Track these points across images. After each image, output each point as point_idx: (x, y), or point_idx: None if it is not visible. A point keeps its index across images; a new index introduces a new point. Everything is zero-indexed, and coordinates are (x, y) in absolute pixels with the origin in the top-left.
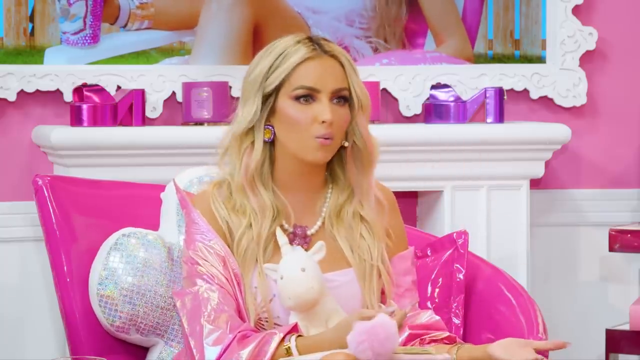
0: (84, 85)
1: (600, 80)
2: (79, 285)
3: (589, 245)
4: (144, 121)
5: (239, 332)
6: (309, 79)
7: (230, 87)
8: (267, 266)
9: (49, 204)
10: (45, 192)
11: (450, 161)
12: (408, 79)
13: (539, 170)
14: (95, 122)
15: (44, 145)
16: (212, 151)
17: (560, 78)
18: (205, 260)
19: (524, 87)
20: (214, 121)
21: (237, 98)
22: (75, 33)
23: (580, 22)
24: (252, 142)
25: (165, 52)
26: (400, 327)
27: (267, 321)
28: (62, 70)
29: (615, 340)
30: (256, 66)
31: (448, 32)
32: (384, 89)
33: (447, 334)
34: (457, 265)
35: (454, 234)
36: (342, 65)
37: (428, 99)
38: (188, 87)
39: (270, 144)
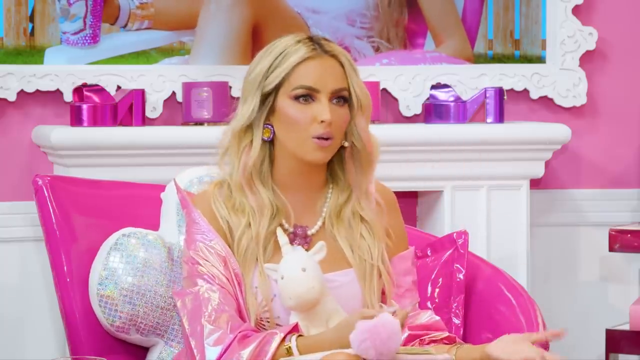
0: (84, 85)
1: (600, 80)
2: (79, 285)
3: (589, 245)
4: (144, 121)
5: (240, 332)
6: (308, 79)
7: (230, 87)
8: (268, 266)
9: (49, 204)
10: (45, 192)
11: (450, 161)
12: (408, 79)
13: (539, 170)
14: (95, 122)
15: (44, 145)
16: (212, 151)
17: (560, 78)
18: (206, 260)
19: (524, 87)
20: (214, 121)
21: (238, 98)
22: (75, 33)
23: (580, 22)
24: (251, 141)
25: (165, 52)
26: (402, 327)
27: (268, 321)
28: (62, 70)
29: (615, 340)
30: (256, 65)
31: (447, 33)
32: (384, 89)
33: (446, 334)
34: (457, 265)
35: (454, 234)
36: (342, 65)
37: (428, 99)
38: (188, 87)
39: (270, 143)
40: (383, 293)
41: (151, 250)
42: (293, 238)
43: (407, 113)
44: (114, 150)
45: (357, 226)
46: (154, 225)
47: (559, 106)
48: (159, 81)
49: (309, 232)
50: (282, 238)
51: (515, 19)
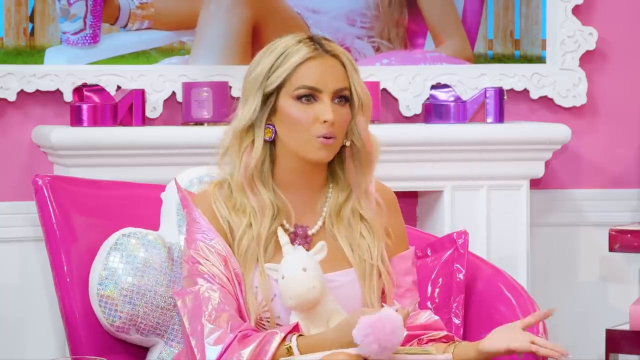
0: (84, 85)
1: (600, 80)
2: (79, 285)
3: (589, 245)
4: (144, 121)
5: (240, 331)
6: (310, 79)
7: (230, 87)
8: (268, 266)
9: (49, 204)
10: (45, 192)
11: (450, 161)
12: (408, 79)
13: (539, 170)
14: (95, 122)
15: (44, 145)
16: (212, 151)
17: (560, 78)
18: (206, 259)
19: (524, 87)
20: (214, 121)
21: (238, 98)
22: (76, 33)
23: (580, 22)
24: (252, 141)
25: (165, 52)
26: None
27: (268, 321)
28: (62, 70)
29: (615, 340)
30: (257, 65)
31: (447, 33)
32: (384, 89)
33: (444, 333)
34: (457, 265)
35: (454, 234)
36: (344, 65)
37: (428, 99)
38: (188, 87)
39: (271, 143)
40: (383, 293)
41: (151, 250)
42: (294, 238)
43: (407, 113)
44: (114, 150)
45: (356, 225)
46: (154, 225)
47: (559, 106)
48: (159, 81)
49: (310, 232)
50: (283, 238)
51: (515, 19)
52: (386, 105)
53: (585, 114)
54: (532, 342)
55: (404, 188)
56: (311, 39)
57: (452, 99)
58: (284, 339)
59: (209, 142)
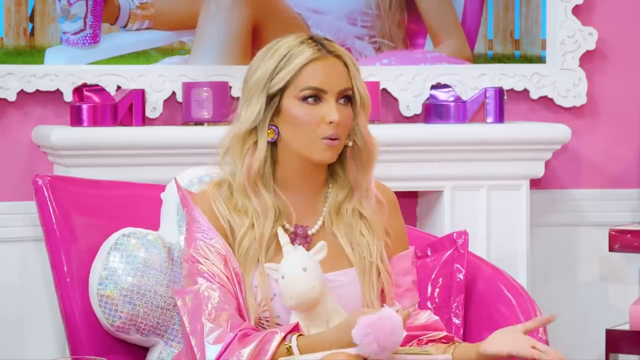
0: (84, 85)
1: (600, 80)
2: (79, 285)
3: (589, 245)
4: (144, 121)
5: (240, 330)
6: (316, 80)
7: (230, 87)
8: (268, 266)
9: (49, 204)
10: (45, 192)
11: (450, 161)
12: (408, 79)
13: (539, 170)
14: (95, 122)
15: (44, 145)
16: (212, 151)
17: (560, 78)
18: (206, 258)
19: (524, 87)
20: (214, 121)
21: (237, 98)
22: (76, 33)
23: (580, 22)
24: (255, 142)
25: (165, 52)
26: (404, 326)
27: (267, 320)
28: (62, 70)
29: (615, 340)
30: (258, 67)
31: (446, 33)
32: (384, 89)
33: (444, 333)
34: (457, 265)
35: (454, 234)
36: (346, 65)
37: (428, 99)
38: (188, 87)
39: (272, 144)
40: (383, 293)
41: (151, 250)
42: (294, 238)
43: (407, 113)
44: (114, 150)
45: (356, 224)
46: (154, 225)
47: (559, 106)
48: (159, 81)
49: (310, 232)
50: (283, 238)
51: (515, 19)
52: (386, 105)
53: (585, 114)
54: (533, 347)
55: (404, 188)
56: (313, 39)
57: (452, 99)
58: (284, 338)
59: (209, 142)
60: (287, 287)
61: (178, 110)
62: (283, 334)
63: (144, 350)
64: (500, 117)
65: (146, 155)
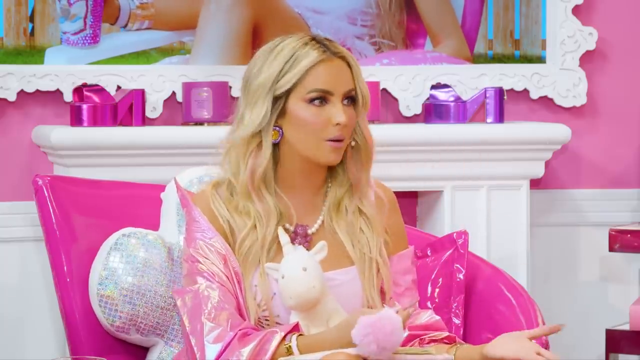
0: (84, 85)
1: (600, 80)
2: (79, 285)
3: (589, 245)
4: (144, 121)
5: (240, 330)
6: (322, 82)
7: (230, 87)
8: (269, 265)
9: (49, 204)
10: (45, 192)
11: (450, 161)
12: (408, 79)
13: (539, 170)
14: (95, 122)
15: (44, 145)
16: (212, 151)
17: (560, 78)
18: (206, 258)
19: (524, 87)
20: (214, 121)
21: (237, 98)
22: (76, 33)
23: (580, 22)
24: (258, 144)
25: (165, 52)
26: (403, 327)
27: (267, 319)
28: (62, 70)
29: (615, 340)
30: (261, 69)
31: (445, 33)
32: (384, 89)
33: (446, 333)
34: (457, 265)
35: (454, 234)
36: (350, 66)
37: (428, 99)
38: (188, 87)
39: (274, 144)
40: (382, 292)
41: (151, 250)
42: (294, 237)
43: (407, 113)
44: (114, 150)
45: (356, 220)
46: (154, 225)
47: (559, 106)
48: (159, 81)
49: (310, 231)
50: (284, 237)
51: (515, 19)
52: (386, 105)
53: (585, 114)
54: (538, 354)
55: (404, 188)
56: (316, 40)
57: (452, 99)
58: (284, 338)
59: (209, 142)
60: (287, 287)
61: (178, 110)
62: (283, 334)
63: (144, 350)
64: (500, 117)
65: (146, 155)
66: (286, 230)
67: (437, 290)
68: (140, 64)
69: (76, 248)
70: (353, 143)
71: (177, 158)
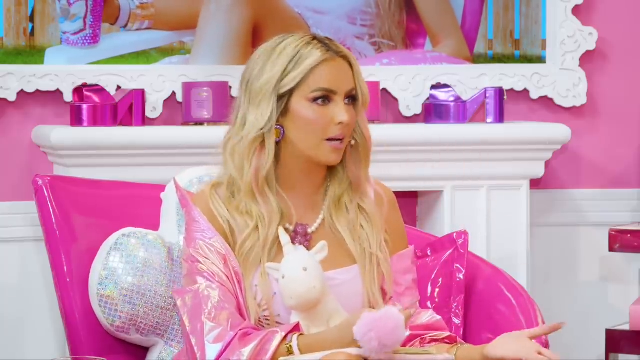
0: (84, 85)
1: (600, 80)
2: (79, 285)
3: (589, 245)
4: (144, 121)
5: (241, 329)
6: (326, 81)
7: (230, 87)
8: (269, 265)
9: (49, 204)
10: (45, 192)
11: (450, 161)
12: (408, 79)
13: (539, 170)
14: (95, 122)
15: (44, 145)
16: (212, 151)
17: (560, 78)
18: (206, 258)
19: (524, 87)
20: (214, 121)
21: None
22: (76, 33)
23: (580, 22)
24: (261, 143)
25: (165, 52)
26: (406, 325)
27: (267, 319)
28: (62, 70)
29: (615, 340)
30: (263, 68)
31: (444, 33)
32: (384, 89)
33: (447, 333)
34: (457, 265)
35: (454, 234)
36: (351, 65)
37: (428, 99)
38: (188, 87)
39: (275, 144)
40: (383, 292)
41: (151, 250)
42: (294, 237)
43: (407, 113)
44: (114, 150)
45: (356, 216)
46: (154, 225)
47: (559, 106)
48: (159, 81)
49: (309, 230)
50: (284, 237)
51: (515, 19)
52: (386, 105)
53: (585, 114)
54: (539, 353)
55: (404, 188)
56: (317, 39)
57: (452, 99)
58: (285, 338)
59: (209, 142)
60: (288, 287)
61: (178, 110)
62: (284, 334)
63: (144, 350)
64: (500, 117)
65: (146, 155)
66: (286, 229)
67: (437, 290)
68: (140, 64)
69: (76, 248)
70: (352, 142)
71: (177, 158)
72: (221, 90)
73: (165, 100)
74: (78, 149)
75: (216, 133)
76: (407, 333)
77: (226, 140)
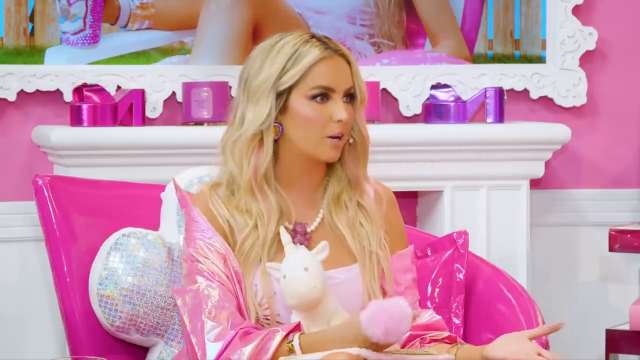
0: (84, 85)
1: (600, 80)
2: (79, 285)
3: (589, 245)
4: (144, 121)
5: (241, 328)
6: (325, 79)
7: (230, 87)
8: (270, 265)
9: (49, 204)
10: (45, 192)
11: (450, 161)
12: (408, 79)
13: (539, 170)
14: (95, 122)
15: (44, 145)
16: (212, 151)
17: (560, 78)
18: (205, 257)
19: (524, 87)
20: (214, 121)
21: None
22: (75, 33)
23: (580, 22)
24: (259, 141)
25: (165, 52)
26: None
27: (267, 318)
28: (62, 70)
29: (615, 340)
30: (262, 66)
31: (444, 33)
32: (384, 89)
33: (447, 333)
34: (457, 265)
35: (454, 234)
36: (349, 63)
37: (428, 99)
38: (188, 87)
39: (274, 141)
40: (384, 291)
41: (151, 250)
42: (293, 235)
43: (407, 113)
44: (114, 150)
45: (356, 214)
46: (154, 225)
47: (559, 106)
48: (159, 81)
49: (309, 229)
50: (285, 237)
51: (515, 19)
52: (386, 105)
53: (585, 114)
54: (539, 354)
55: (404, 188)
56: (316, 37)
57: (452, 99)
58: (286, 337)
59: (209, 142)
60: (289, 287)
61: (178, 110)
62: (284, 333)
63: (144, 350)
64: (500, 117)
65: (146, 155)
66: (285, 228)
67: (437, 290)
68: (140, 64)
69: (76, 248)
70: (351, 140)
71: (177, 158)
72: (221, 90)
73: (165, 100)
74: (78, 149)
75: (216, 133)
76: (407, 333)
77: (225, 138)
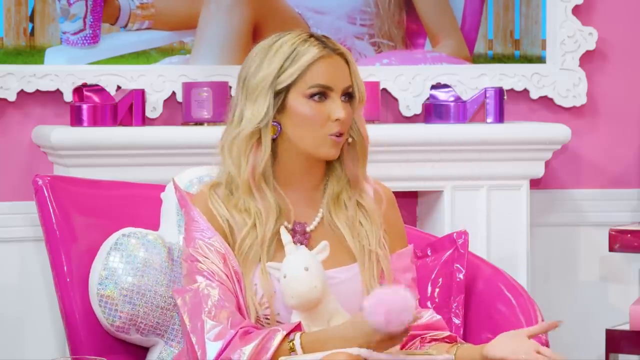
0: (84, 85)
1: (600, 80)
2: (79, 285)
3: (589, 245)
4: (144, 121)
5: (241, 328)
6: (323, 78)
7: (230, 87)
8: (270, 265)
9: (49, 204)
10: (45, 192)
11: (450, 161)
12: (408, 79)
13: (539, 170)
14: (95, 122)
15: (44, 145)
16: (212, 151)
17: (560, 78)
18: (205, 257)
19: (524, 87)
20: (214, 121)
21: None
22: (75, 33)
23: (580, 22)
24: (257, 140)
25: (165, 52)
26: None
27: (267, 318)
28: (62, 70)
29: (615, 340)
30: (260, 65)
31: (444, 34)
32: (384, 89)
33: (447, 333)
34: (457, 265)
35: (454, 234)
36: (347, 63)
37: (428, 99)
38: (188, 87)
39: (272, 140)
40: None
41: (151, 250)
42: (293, 235)
43: (407, 113)
44: (114, 150)
45: (355, 213)
46: (154, 225)
47: (559, 106)
48: (159, 81)
49: (308, 229)
50: (286, 237)
51: (515, 19)
52: (386, 105)
53: (585, 114)
54: (538, 352)
55: (404, 188)
56: (314, 37)
57: (452, 99)
58: (287, 336)
59: (209, 142)
60: (289, 287)
61: (178, 110)
62: (285, 332)
63: (144, 350)
64: (500, 117)
65: (146, 155)
66: (284, 228)
67: (437, 290)
68: (140, 64)
69: (76, 248)
70: (350, 139)
71: (177, 158)
72: (221, 90)
73: (165, 100)
74: (78, 149)
75: (216, 133)
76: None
77: (223, 137)
